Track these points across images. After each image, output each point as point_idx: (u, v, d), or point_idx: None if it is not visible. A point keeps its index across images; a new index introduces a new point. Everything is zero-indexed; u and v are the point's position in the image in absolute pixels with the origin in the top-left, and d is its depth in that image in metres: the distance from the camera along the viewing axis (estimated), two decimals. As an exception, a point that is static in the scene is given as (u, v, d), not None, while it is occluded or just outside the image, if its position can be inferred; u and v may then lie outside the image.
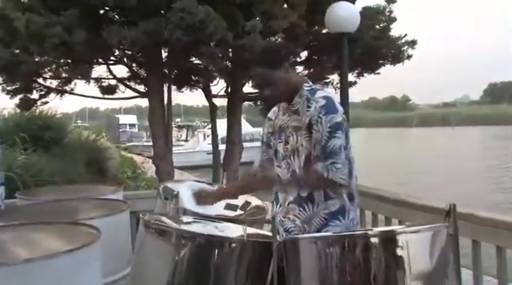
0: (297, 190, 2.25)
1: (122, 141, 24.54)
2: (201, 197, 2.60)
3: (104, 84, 7.76)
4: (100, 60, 7.10)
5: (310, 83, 2.34)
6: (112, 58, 7.24)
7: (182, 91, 8.18)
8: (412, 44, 8.04)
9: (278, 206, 2.32)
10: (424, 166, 22.22)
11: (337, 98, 2.37)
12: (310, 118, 2.22)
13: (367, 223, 3.69)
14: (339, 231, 2.16)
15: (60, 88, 7.47)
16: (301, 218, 2.24)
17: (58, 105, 8.18)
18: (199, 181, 3.75)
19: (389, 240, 1.70)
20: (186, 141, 32.97)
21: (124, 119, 37.82)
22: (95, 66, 7.26)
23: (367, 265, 1.65)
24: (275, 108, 2.45)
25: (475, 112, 67.33)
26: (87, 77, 7.15)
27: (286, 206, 2.28)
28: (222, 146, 8.40)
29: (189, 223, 2.39)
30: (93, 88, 7.75)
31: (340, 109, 2.24)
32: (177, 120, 46.54)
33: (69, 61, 6.65)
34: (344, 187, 2.20)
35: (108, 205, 2.83)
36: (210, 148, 9.16)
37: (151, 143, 7.72)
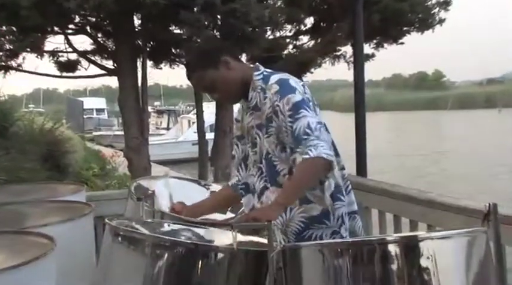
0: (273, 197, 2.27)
1: (88, 130, 24.58)
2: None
3: (61, 59, 7.72)
4: (56, 28, 7.05)
5: (261, 69, 2.39)
6: (71, 26, 7.19)
7: (160, 68, 8.16)
8: (446, 4, 7.96)
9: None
10: (457, 160, 22.33)
11: (295, 78, 2.35)
12: (267, 111, 2.28)
13: (387, 227, 3.70)
14: (323, 233, 2.24)
15: (3, 63, 7.40)
16: (278, 225, 2.26)
17: (2, 85, 8.13)
18: (180, 178, 3.75)
19: (412, 248, 1.70)
20: (168, 129, 33.05)
21: (90, 103, 37.84)
22: (49, 36, 7.20)
23: (384, 278, 1.66)
24: (239, 107, 2.52)
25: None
26: (39, 50, 7.10)
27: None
28: (210, 136, 8.40)
29: (167, 229, 2.40)
30: (48, 65, 7.71)
31: (299, 87, 2.27)
32: (156, 103, 46.65)
33: (14, 29, 6.59)
34: (323, 183, 2.22)
35: (67, 209, 2.82)
36: (196, 137, 9.15)
37: (123, 133, 7.72)
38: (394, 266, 1.66)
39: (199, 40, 6.71)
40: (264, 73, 2.37)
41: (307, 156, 2.12)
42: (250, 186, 2.45)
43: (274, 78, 2.32)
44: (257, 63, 2.46)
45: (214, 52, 2.37)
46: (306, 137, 2.15)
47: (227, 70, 2.34)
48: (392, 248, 1.68)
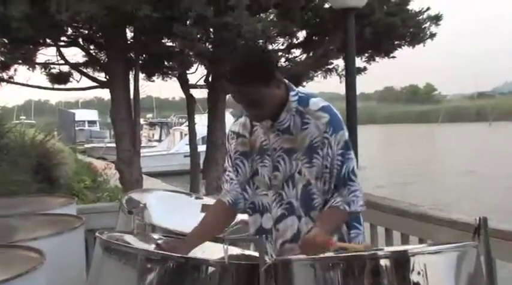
0: (296, 226, 2.21)
1: (79, 142, 24.51)
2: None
3: (53, 71, 7.69)
4: (48, 40, 7.03)
5: (295, 89, 2.27)
6: (63, 38, 7.16)
7: (153, 81, 8.13)
8: (436, 19, 8.00)
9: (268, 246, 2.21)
10: (452, 175, 22.50)
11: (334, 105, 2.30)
12: (311, 139, 2.19)
13: (379, 241, 3.70)
14: None
15: (-6, 75, 7.37)
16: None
17: (-8, 97, 8.08)
18: (172, 191, 3.74)
19: (403, 262, 1.70)
20: (160, 141, 33.02)
21: (81, 115, 37.81)
22: (41, 48, 7.18)
23: (375, 293, 1.65)
24: (244, 120, 2.36)
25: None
26: (30, 62, 7.07)
27: (279, 248, 2.22)
28: (202, 148, 8.38)
29: (158, 242, 2.39)
30: (39, 77, 7.68)
31: (342, 118, 2.25)
32: (148, 115, 46.65)
33: (6, 41, 6.57)
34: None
35: (57, 222, 2.81)
36: (188, 149, 9.14)
37: (115, 145, 7.69)
38: (385, 281, 1.66)
39: (191, 53, 6.73)
40: (299, 94, 2.26)
41: (347, 208, 2.18)
42: (258, 206, 2.33)
43: (316, 103, 2.23)
44: (287, 81, 2.30)
45: (270, 69, 2.21)
46: (350, 183, 2.19)
47: (277, 88, 2.20)
48: (383, 263, 1.69)
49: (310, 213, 2.22)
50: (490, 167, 23.66)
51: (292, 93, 2.24)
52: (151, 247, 2.31)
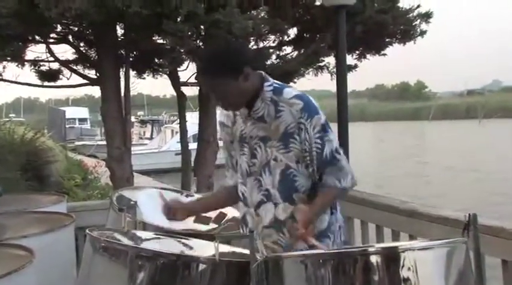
0: (273, 213, 2.30)
1: (70, 140, 24.40)
2: (170, 211, 2.57)
3: (43, 68, 7.65)
4: (37, 37, 7.00)
5: (270, 80, 2.34)
6: (53, 35, 7.13)
7: (143, 78, 8.12)
8: (426, 17, 8.04)
9: (248, 231, 2.30)
10: (437, 172, 22.86)
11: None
12: (286, 126, 2.25)
13: (370, 238, 3.72)
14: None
15: (-18, 73, 7.32)
16: (282, 245, 2.29)
17: (-20, 95, 8.05)
18: (163, 188, 3.74)
19: (393, 258, 1.70)
20: (151, 138, 32.97)
21: (72, 112, 37.65)
22: (30, 45, 7.14)
23: (366, 289, 1.66)
24: (227, 111, 2.44)
25: (509, 101, 67.72)
26: (20, 59, 7.03)
27: (261, 232, 2.31)
28: (193, 145, 8.38)
29: (149, 239, 2.40)
30: (29, 74, 7.64)
31: (318, 104, 2.29)
32: (139, 113, 46.54)
33: (-6, 38, 6.52)
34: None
35: (47, 220, 2.80)
36: (179, 147, 9.13)
37: (106, 143, 7.66)
38: (376, 277, 1.67)
39: (182, 50, 6.71)
40: (274, 85, 2.32)
41: (337, 184, 2.27)
42: (239, 194, 2.43)
43: (290, 92, 2.29)
44: (264, 73, 2.38)
45: (238, 62, 2.26)
46: (335, 162, 2.26)
47: (244, 80, 2.25)
48: (374, 259, 1.69)
49: (292, 196, 2.29)
50: (468, 163, 24.09)
51: (266, 84, 2.31)
52: (142, 244, 2.32)
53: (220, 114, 2.59)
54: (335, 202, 2.40)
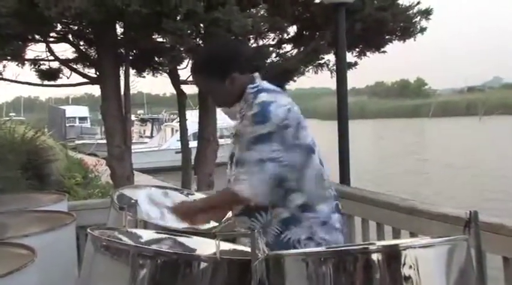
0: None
1: (70, 139, 24.41)
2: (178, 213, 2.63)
3: (43, 67, 7.65)
4: (37, 36, 7.00)
5: (257, 82, 2.45)
6: (53, 34, 7.13)
7: (143, 76, 8.12)
8: (426, 13, 8.02)
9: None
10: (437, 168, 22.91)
11: (283, 99, 2.42)
12: (243, 129, 2.39)
13: (370, 235, 3.72)
14: (299, 237, 2.35)
15: (-18, 72, 7.31)
16: (258, 226, 2.36)
17: (-19, 94, 8.05)
18: (163, 187, 3.73)
19: (394, 256, 1.70)
20: (151, 137, 32.97)
21: (72, 111, 37.65)
22: (30, 44, 7.14)
23: (367, 287, 1.66)
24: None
25: (509, 98, 67.64)
26: (20, 58, 7.03)
27: (234, 218, 2.48)
28: (193, 144, 8.38)
29: (150, 238, 2.39)
30: (29, 73, 7.64)
31: (275, 117, 2.31)
32: (140, 111, 46.52)
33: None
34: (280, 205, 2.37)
35: (48, 219, 2.80)
36: (179, 145, 9.14)
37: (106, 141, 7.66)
38: (377, 275, 1.67)
39: (181, 48, 6.70)
40: (258, 87, 2.42)
41: (231, 186, 2.39)
42: None
43: (261, 96, 2.37)
44: (256, 74, 2.51)
45: (226, 67, 2.42)
46: (241, 170, 2.36)
47: (230, 84, 2.42)
48: (375, 257, 1.69)
49: None
50: (468, 160, 24.17)
51: (251, 86, 2.43)
52: (143, 243, 2.32)
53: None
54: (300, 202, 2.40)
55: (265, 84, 2.48)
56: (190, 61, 7.60)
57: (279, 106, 2.34)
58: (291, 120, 2.35)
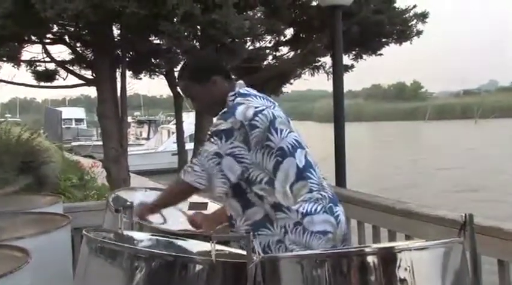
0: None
1: (66, 140, 24.35)
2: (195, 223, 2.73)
3: (39, 69, 7.64)
4: (33, 38, 6.98)
5: (236, 89, 2.55)
6: (49, 35, 7.13)
7: (140, 78, 8.12)
8: (423, 17, 8.06)
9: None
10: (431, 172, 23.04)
11: (255, 102, 2.50)
12: None
13: (366, 238, 3.72)
14: (269, 240, 2.35)
15: (-23, 73, 7.30)
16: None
17: (-24, 95, 8.05)
18: (160, 189, 3.73)
19: (390, 259, 1.71)
20: (148, 139, 32.93)
21: (68, 113, 37.58)
22: (26, 45, 7.13)
23: (362, 289, 1.66)
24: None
25: (505, 101, 67.86)
26: (15, 59, 7.02)
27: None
28: (190, 146, 8.37)
29: (146, 240, 2.39)
30: (25, 74, 7.62)
31: (240, 115, 2.39)
32: (136, 113, 46.50)
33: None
34: (265, 197, 2.39)
35: (43, 220, 2.79)
36: (175, 147, 9.13)
37: (102, 143, 7.65)
38: (373, 277, 1.67)
39: (178, 50, 6.70)
40: (236, 94, 2.52)
41: (181, 175, 2.45)
42: None
43: (235, 100, 2.49)
44: (240, 81, 2.62)
45: (206, 72, 2.56)
46: (194, 160, 2.45)
47: (211, 88, 2.54)
48: (371, 259, 1.69)
49: None
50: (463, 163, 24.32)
51: (230, 93, 2.53)
52: (139, 245, 2.31)
53: None
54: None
55: (244, 90, 2.56)
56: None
57: (248, 108, 2.42)
58: (260, 121, 2.39)
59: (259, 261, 1.85)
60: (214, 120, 2.49)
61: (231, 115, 2.39)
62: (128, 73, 7.62)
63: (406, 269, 1.66)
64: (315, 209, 2.40)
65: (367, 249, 1.82)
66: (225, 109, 2.46)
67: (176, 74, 8.13)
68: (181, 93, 2.91)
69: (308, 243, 2.35)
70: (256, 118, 2.39)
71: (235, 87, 2.57)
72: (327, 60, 8.26)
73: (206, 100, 2.59)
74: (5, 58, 6.89)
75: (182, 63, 2.97)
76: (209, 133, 2.43)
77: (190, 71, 2.60)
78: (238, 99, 2.49)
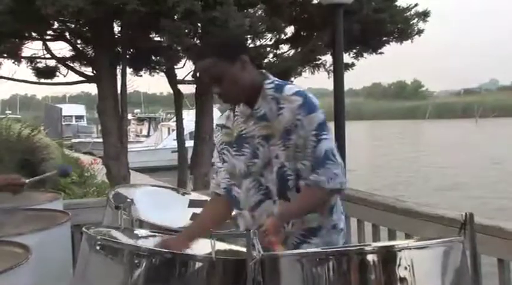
0: (272, 210, 2.22)
1: (66, 137, 24.33)
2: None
3: (39, 65, 7.65)
4: (34, 34, 6.99)
5: (271, 78, 2.31)
6: (50, 32, 7.13)
7: (140, 75, 8.13)
8: (424, 15, 8.06)
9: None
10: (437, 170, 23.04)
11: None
12: (285, 123, 2.20)
13: (366, 237, 3.72)
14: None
15: (-22, 69, 7.32)
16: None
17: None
18: (160, 186, 3.74)
19: (389, 257, 1.70)
20: (148, 136, 32.93)
21: (68, 110, 37.57)
22: (27, 42, 7.13)
23: (362, 288, 1.66)
24: (228, 113, 2.41)
25: (505, 100, 67.79)
26: (16, 56, 7.02)
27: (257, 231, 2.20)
28: (190, 143, 8.38)
29: (146, 237, 2.39)
30: (25, 71, 7.63)
31: (318, 103, 2.25)
32: (136, 110, 46.47)
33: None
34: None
35: (43, 217, 2.79)
36: (175, 144, 9.13)
37: (102, 140, 7.66)
38: (372, 276, 1.66)
39: (179, 48, 6.70)
40: (276, 82, 2.29)
41: (325, 184, 2.16)
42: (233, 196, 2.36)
43: (291, 88, 2.25)
44: (265, 71, 2.37)
45: (237, 48, 2.28)
46: (328, 162, 2.18)
47: (241, 69, 2.22)
48: (371, 258, 1.69)
49: (286, 194, 2.23)
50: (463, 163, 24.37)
51: (267, 81, 2.27)
52: (139, 242, 2.31)
53: (219, 117, 2.50)
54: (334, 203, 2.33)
55: (279, 79, 2.34)
56: (188, 61, 7.63)
57: (314, 97, 2.27)
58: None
59: (259, 259, 1.85)
60: (288, 113, 2.19)
61: (316, 104, 2.23)
62: (128, 70, 7.63)
63: (406, 268, 1.66)
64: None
65: (367, 248, 1.82)
66: (300, 100, 2.20)
67: (177, 72, 8.20)
68: (202, 76, 2.34)
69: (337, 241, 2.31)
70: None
71: (268, 75, 2.32)
72: (327, 58, 8.26)
73: (233, 84, 2.21)
74: (5, 55, 6.90)
75: (204, 40, 2.55)
76: (316, 129, 2.18)
77: (218, 47, 2.25)
78: (293, 86, 2.27)
